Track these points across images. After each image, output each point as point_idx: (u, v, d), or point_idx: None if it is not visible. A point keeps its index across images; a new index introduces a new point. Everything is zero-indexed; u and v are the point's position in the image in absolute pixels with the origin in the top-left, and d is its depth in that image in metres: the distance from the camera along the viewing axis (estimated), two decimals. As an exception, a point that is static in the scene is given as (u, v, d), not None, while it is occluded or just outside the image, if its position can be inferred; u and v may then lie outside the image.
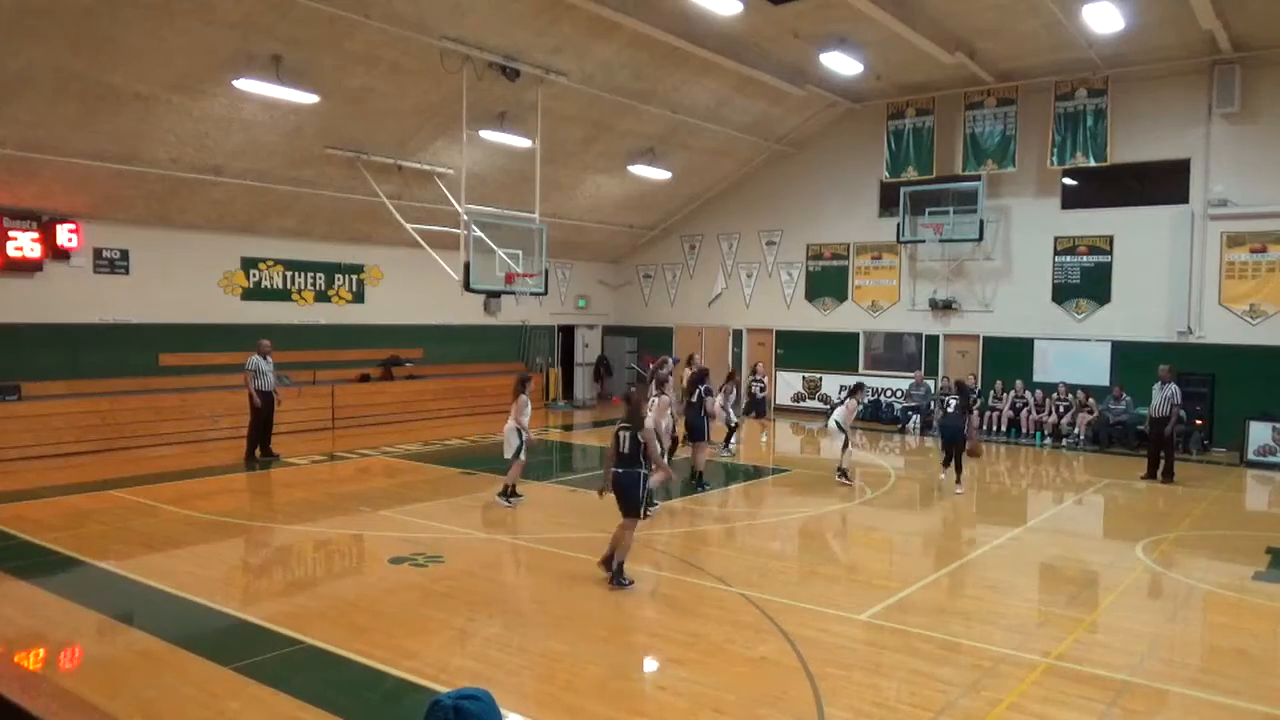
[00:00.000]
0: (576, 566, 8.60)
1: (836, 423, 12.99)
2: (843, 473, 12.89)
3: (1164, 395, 13.57)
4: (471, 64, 14.22)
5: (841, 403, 13.45)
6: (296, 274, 18.27)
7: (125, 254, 15.65)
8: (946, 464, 12.77)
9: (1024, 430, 18.16)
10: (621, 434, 8.10)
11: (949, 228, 18.92)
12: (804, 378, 21.90)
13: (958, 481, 12.65)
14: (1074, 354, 18.28)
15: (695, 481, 12.33)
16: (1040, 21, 14.74)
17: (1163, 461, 13.65)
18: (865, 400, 14.78)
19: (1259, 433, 15.22)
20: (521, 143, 16.47)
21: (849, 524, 11.01)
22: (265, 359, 14.08)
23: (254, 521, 10.42)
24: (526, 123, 16.13)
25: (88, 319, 15.18)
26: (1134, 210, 17.90)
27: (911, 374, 20.13)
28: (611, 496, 8.22)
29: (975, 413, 13.22)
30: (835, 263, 21.65)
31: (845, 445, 12.96)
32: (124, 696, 5.51)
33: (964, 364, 19.78)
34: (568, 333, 24.41)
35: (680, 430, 12.93)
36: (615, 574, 7.87)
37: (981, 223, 18.69)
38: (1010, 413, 18.44)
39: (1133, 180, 18.15)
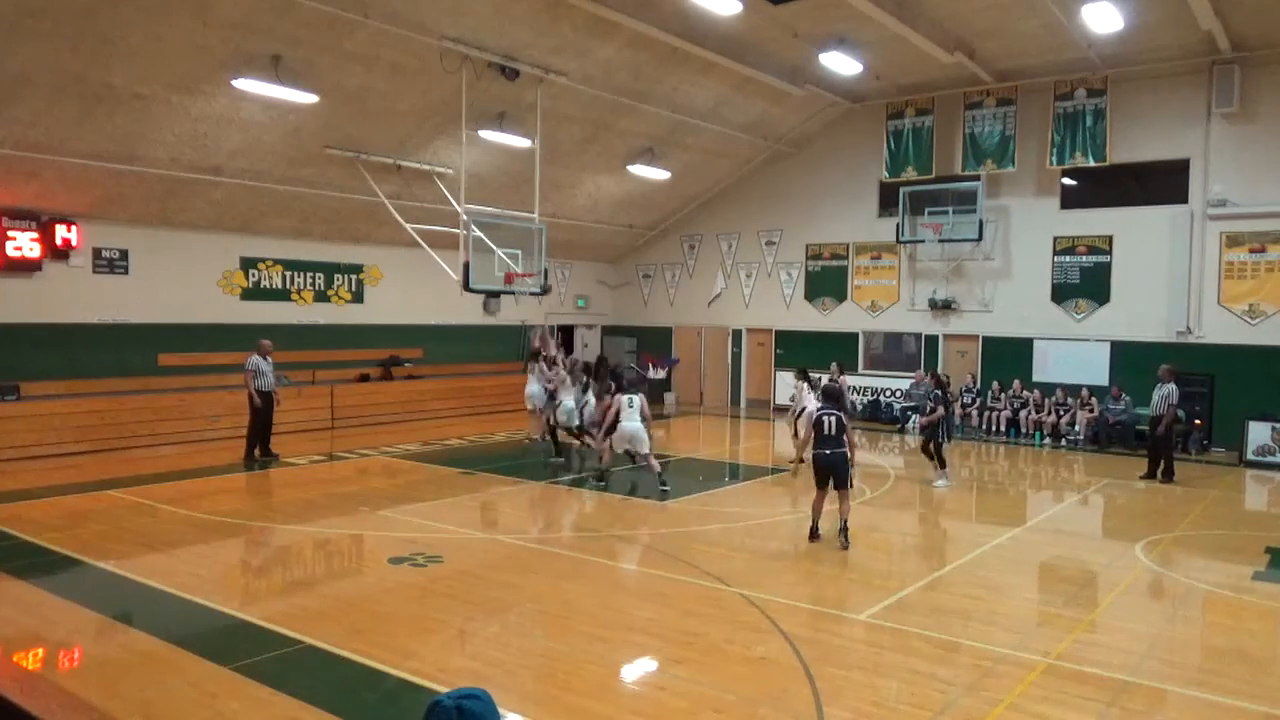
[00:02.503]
0: (576, 566, 8.60)
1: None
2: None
3: (1161, 395, 13.58)
4: (471, 64, 14.22)
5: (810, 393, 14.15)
6: (296, 274, 18.27)
7: (124, 254, 15.65)
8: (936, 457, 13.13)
9: (1023, 430, 18.15)
10: (827, 418, 9.30)
11: (948, 228, 18.92)
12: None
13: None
14: (1073, 354, 18.28)
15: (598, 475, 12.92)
16: (1040, 21, 14.74)
17: (1162, 461, 13.65)
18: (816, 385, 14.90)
19: (1258, 433, 15.22)
20: (521, 143, 16.47)
21: (849, 524, 10.98)
22: (265, 359, 14.06)
23: (253, 521, 10.41)
24: (526, 123, 16.12)
25: (87, 319, 15.18)
26: (1133, 210, 17.91)
27: (911, 374, 20.13)
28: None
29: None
30: (834, 263, 21.65)
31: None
32: (123, 696, 5.50)
33: (964, 364, 19.80)
34: (567, 333, 24.41)
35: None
36: (843, 532, 9.28)
37: (981, 223, 18.69)
38: (1009, 413, 18.42)
39: (1132, 180, 18.16)
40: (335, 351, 18.77)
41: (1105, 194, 18.34)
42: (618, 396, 12.59)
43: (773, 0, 13.76)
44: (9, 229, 14.11)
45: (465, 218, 14.87)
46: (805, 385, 14.53)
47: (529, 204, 16.31)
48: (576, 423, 14.20)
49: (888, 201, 20.49)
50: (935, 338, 20.19)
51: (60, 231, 14.66)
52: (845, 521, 9.34)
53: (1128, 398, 16.85)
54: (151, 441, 15.05)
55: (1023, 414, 18.25)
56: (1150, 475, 13.69)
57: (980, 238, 18.80)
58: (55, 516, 10.19)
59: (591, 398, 14.16)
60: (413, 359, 20.12)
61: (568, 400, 14.08)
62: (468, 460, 14.52)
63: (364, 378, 19.10)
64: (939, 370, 14.96)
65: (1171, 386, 13.56)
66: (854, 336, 21.29)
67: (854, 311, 21.35)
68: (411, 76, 14.35)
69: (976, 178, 18.85)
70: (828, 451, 9.24)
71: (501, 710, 1.88)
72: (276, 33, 12.39)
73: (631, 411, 12.24)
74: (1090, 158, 17.65)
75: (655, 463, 12.42)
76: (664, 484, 12.11)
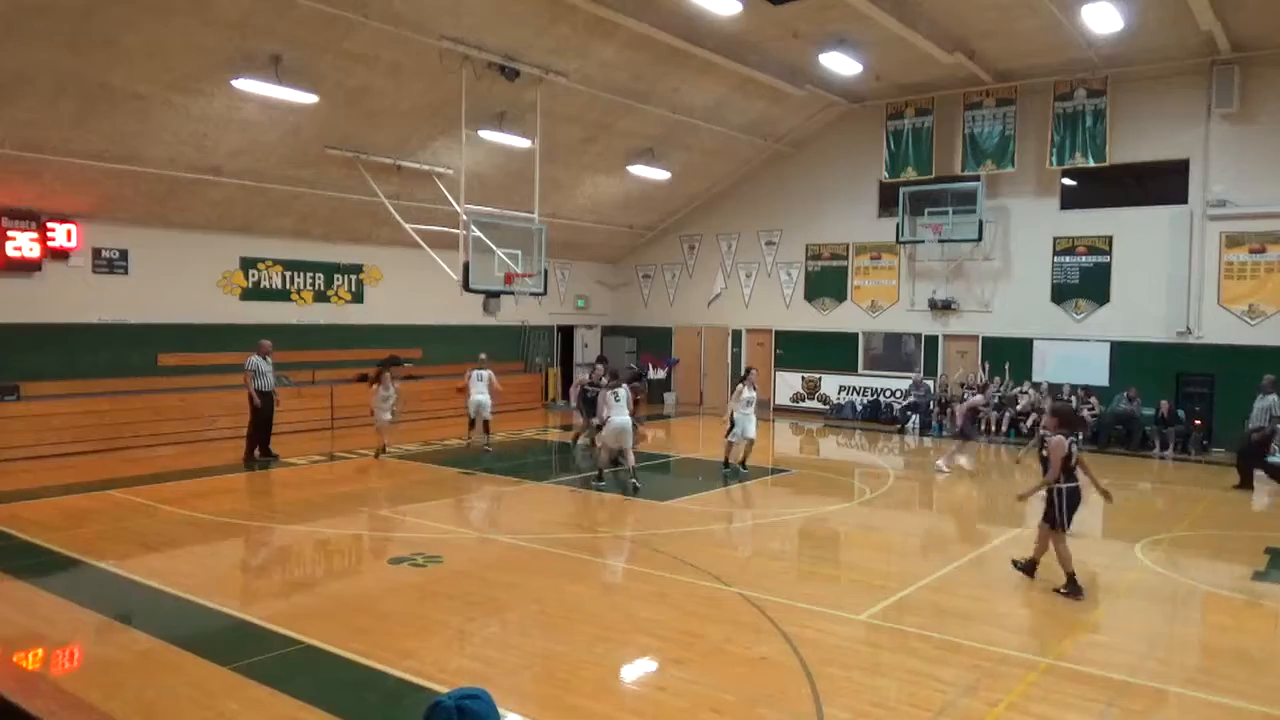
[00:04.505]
0: (576, 566, 8.60)
1: (730, 411, 13.52)
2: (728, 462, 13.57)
3: (1262, 405, 12.95)
4: (470, 64, 14.22)
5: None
6: (295, 274, 18.26)
7: (124, 254, 15.64)
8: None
9: (1024, 431, 18.09)
10: (1074, 446, 7.98)
11: (948, 228, 18.91)
12: (803, 378, 21.91)
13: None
14: (1073, 354, 18.27)
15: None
16: (1039, 22, 14.73)
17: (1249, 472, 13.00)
18: (752, 386, 13.99)
19: (1258, 433, 15.17)
20: (521, 143, 16.47)
21: (849, 524, 11.02)
22: (265, 359, 14.07)
23: (253, 521, 10.41)
24: (526, 123, 16.12)
25: (87, 319, 15.17)
26: (1133, 210, 17.90)
27: (910, 374, 20.16)
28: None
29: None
30: (834, 263, 21.65)
31: (730, 430, 13.42)
32: (123, 696, 5.50)
33: (964, 364, 19.79)
34: (567, 333, 24.41)
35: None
36: (1070, 584, 7.75)
37: (981, 223, 18.68)
38: (1012, 413, 18.38)
39: (1132, 180, 18.15)
40: (335, 351, 18.76)
41: (1105, 194, 18.33)
42: (603, 391, 12.51)
43: (773, 0, 13.76)
44: (9, 229, 14.10)
45: (465, 218, 14.86)
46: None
47: (529, 204, 16.30)
48: (486, 415, 15.34)
49: (888, 201, 20.48)
50: (935, 338, 20.19)
51: (60, 231, 14.66)
52: (1067, 570, 7.92)
53: (1138, 399, 16.83)
54: (151, 441, 15.05)
55: (1019, 410, 18.20)
56: (1244, 486, 13.10)
57: (980, 238, 18.80)
58: (55, 516, 10.19)
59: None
60: (412, 359, 20.11)
61: (477, 395, 15.12)
62: (468, 460, 14.52)
63: (364, 378, 19.05)
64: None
65: (1274, 398, 12.85)
66: (854, 337, 21.29)
67: (854, 312, 21.35)
68: (411, 76, 14.35)
69: (976, 178, 18.84)
70: (1076, 485, 7.98)
71: (501, 710, 1.88)
72: (276, 33, 12.39)
73: (619, 405, 12.08)
74: (1090, 158, 17.65)
75: (633, 459, 12.32)
76: (635, 481, 12.07)
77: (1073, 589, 7.69)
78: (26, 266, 14.33)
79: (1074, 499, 7.88)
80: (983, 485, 13.87)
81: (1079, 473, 7.99)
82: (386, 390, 14.33)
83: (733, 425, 13.36)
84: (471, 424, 15.55)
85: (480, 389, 15.21)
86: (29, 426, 13.94)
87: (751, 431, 13.43)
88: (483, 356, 16.13)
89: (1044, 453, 8.06)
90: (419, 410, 19.12)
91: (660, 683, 5.95)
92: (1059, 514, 7.81)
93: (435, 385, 19.89)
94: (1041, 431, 9.03)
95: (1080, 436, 8.21)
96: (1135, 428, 16.75)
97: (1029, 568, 8.22)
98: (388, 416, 14.35)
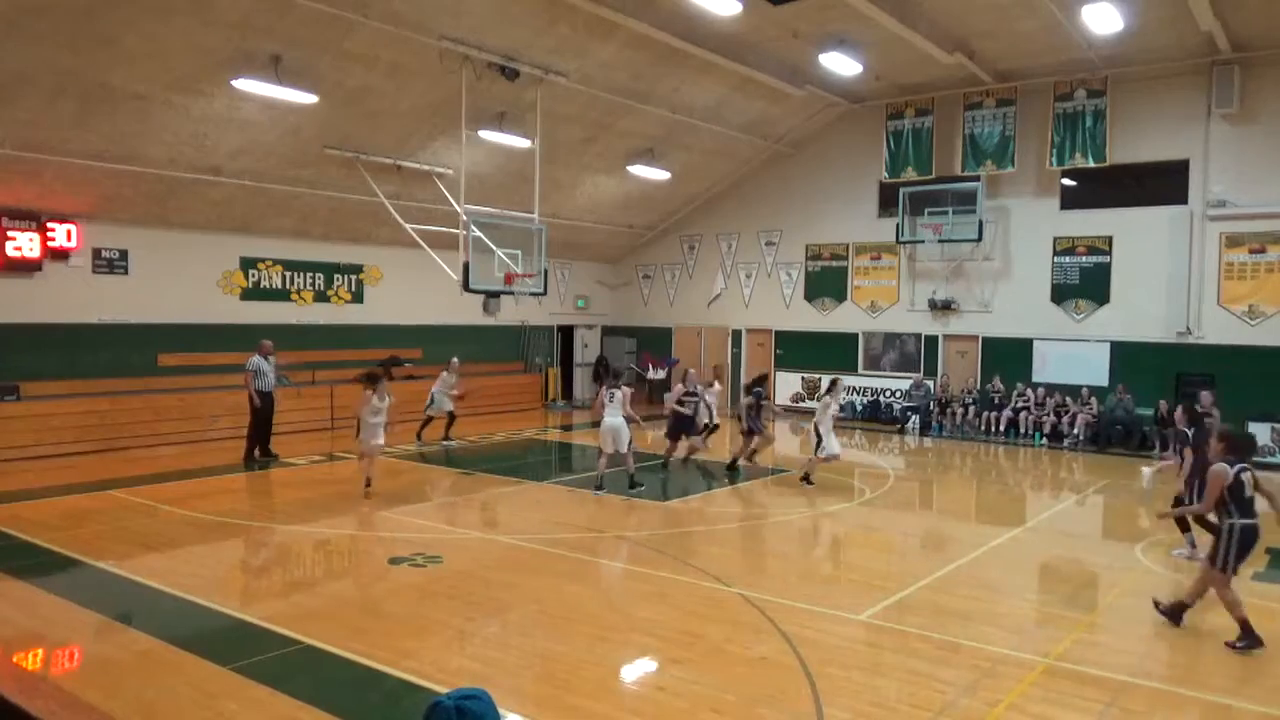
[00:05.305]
0: (576, 567, 8.60)
1: (815, 424, 12.82)
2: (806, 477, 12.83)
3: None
4: (471, 64, 14.22)
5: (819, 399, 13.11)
6: (295, 274, 18.27)
7: (124, 254, 15.64)
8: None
9: (1023, 431, 18.13)
10: (1245, 476, 6.82)
11: (948, 228, 18.92)
12: (803, 378, 21.89)
13: None
14: (1073, 354, 18.27)
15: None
16: (1039, 22, 14.74)
17: None
18: (842, 398, 13.80)
19: (1258, 433, 15.22)
20: (521, 143, 16.47)
21: (849, 524, 11.02)
22: (266, 359, 14.09)
23: (253, 521, 10.41)
24: (526, 123, 16.12)
25: (87, 319, 15.17)
26: (1133, 211, 17.90)
27: (910, 374, 20.15)
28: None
29: None
30: (834, 263, 21.65)
31: (819, 446, 12.67)
32: (123, 696, 5.50)
33: (964, 364, 19.79)
34: (567, 333, 24.41)
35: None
36: (1246, 634, 6.55)
37: (981, 223, 18.68)
38: (1009, 413, 18.40)
39: (1132, 181, 18.15)
40: (335, 351, 18.74)
41: (1105, 194, 18.33)
42: (600, 390, 12.45)
43: (773, 0, 13.76)
44: (9, 229, 14.10)
45: (465, 218, 14.87)
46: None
47: (529, 204, 16.30)
48: (446, 409, 16.28)
49: (888, 202, 20.48)
50: (935, 338, 20.19)
51: (60, 231, 14.66)
52: (1240, 619, 6.64)
53: (1128, 396, 16.86)
54: (151, 441, 15.05)
55: (1022, 414, 18.23)
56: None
57: (980, 238, 18.80)
58: (55, 516, 10.19)
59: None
60: (412, 359, 20.10)
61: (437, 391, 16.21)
62: (468, 460, 14.52)
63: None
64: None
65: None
66: (854, 337, 21.29)
67: (854, 312, 21.35)
68: (411, 76, 14.35)
69: (976, 178, 18.84)
70: (1254, 521, 6.76)
71: (501, 710, 1.88)
72: (276, 33, 12.39)
73: (612, 406, 12.01)
74: (1090, 158, 17.65)
75: (632, 462, 12.27)
76: (634, 484, 12.06)
77: (1250, 639, 6.52)
78: (26, 266, 14.33)
79: (1248, 537, 6.71)
80: (990, 486, 13.86)
81: (1260, 504, 6.82)
82: (381, 401, 11.46)
83: (820, 441, 12.57)
84: (442, 422, 16.23)
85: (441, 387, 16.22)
86: (29, 426, 13.94)
87: (838, 447, 12.83)
88: (455, 361, 16.55)
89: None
90: (418, 411, 19.09)
91: (660, 683, 5.95)
92: (1226, 554, 6.67)
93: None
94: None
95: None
96: (1135, 427, 16.76)
97: (1175, 613, 7.04)
98: (378, 441, 11.47)
